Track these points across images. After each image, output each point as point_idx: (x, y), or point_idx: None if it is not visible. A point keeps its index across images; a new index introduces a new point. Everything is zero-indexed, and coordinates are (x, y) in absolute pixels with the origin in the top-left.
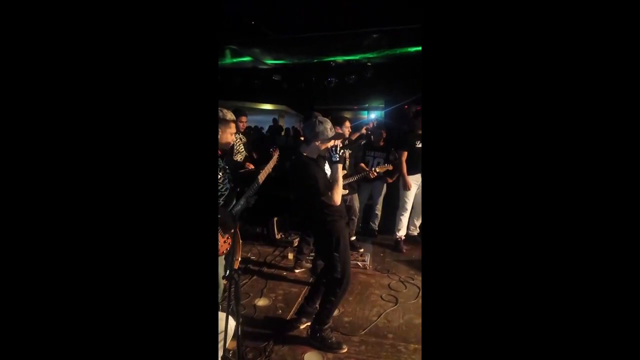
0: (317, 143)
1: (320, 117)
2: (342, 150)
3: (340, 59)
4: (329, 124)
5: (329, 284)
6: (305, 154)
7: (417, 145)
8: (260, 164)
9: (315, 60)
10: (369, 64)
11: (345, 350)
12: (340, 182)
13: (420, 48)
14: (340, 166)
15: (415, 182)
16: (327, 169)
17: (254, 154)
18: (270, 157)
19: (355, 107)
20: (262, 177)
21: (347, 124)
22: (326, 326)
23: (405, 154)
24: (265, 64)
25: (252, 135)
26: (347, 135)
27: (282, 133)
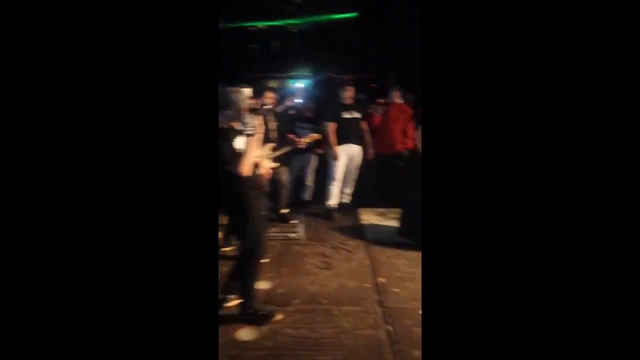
0: (229, 112)
1: (238, 88)
2: (253, 121)
3: (261, 24)
4: (243, 95)
5: (245, 255)
6: None
7: (344, 116)
8: None
9: (233, 25)
10: (294, 30)
11: (279, 317)
12: (251, 153)
13: (343, 15)
14: (253, 138)
15: (345, 152)
16: (241, 140)
17: None
18: None
19: (282, 76)
20: None
21: (270, 94)
22: (254, 300)
23: (333, 124)
24: None
25: None
26: (269, 105)
27: None
